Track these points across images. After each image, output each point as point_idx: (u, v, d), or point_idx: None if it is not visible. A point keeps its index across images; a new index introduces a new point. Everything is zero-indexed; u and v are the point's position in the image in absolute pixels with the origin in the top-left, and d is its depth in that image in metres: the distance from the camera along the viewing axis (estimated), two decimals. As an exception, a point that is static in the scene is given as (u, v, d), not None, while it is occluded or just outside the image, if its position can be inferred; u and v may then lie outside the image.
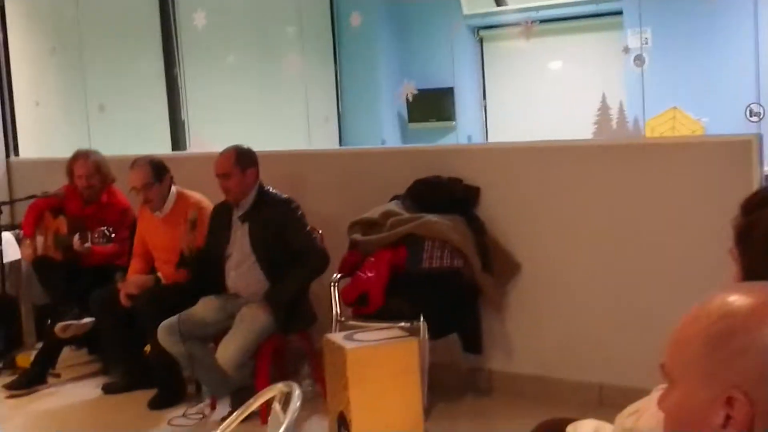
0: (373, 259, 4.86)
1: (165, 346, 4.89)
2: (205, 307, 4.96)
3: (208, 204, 5.33)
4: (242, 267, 4.94)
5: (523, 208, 4.98)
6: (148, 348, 5.41)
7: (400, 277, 4.82)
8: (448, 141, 9.34)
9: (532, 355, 5.00)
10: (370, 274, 4.76)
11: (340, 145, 9.70)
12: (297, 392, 2.41)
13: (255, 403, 2.58)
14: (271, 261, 4.88)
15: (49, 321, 6.65)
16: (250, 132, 7.56)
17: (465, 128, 9.62)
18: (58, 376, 5.88)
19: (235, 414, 2.62)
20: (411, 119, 9.86)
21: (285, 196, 4.94)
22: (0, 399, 5.57)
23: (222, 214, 5.02)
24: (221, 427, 2.60)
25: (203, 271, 5.02)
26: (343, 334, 4.43)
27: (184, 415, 5.01)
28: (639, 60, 8.61)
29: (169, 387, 5.25)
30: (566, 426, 2.51)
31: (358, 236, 5.00)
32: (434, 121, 9.71)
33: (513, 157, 5.09)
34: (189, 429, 4.88)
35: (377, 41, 9.82)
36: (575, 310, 4.85)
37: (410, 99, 6.13)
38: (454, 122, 9.68)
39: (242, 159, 4.90)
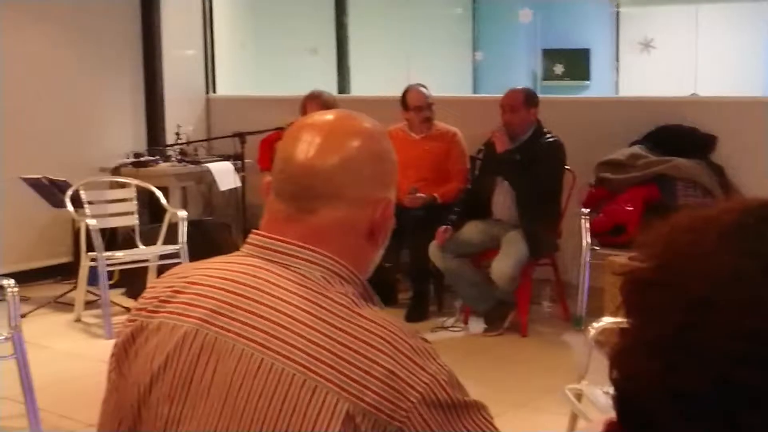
0: (627, 195, 5.44)
1: (435, 261, 5.49)
2: (473, 230, 5.55)
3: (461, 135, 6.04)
4: (509, 196, 5.52)
5: (755, 156, 5.56)
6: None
7: (652, 211, 5.39)
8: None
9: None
10: (629, 208, 5.35)
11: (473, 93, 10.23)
12: None
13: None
14: (529, 193, 5.45)
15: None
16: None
17: (597, 88, 10.16)
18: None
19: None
20: (546, 77, 10.41)
21: (557, 138, 5.50)
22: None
23: (493, 147, 5.57)
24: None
25: (471, 205, 5.62)
26: (626, 257, 5.00)
27: (442, 327, 5.61)
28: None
29: (424, 301, 5.85)
30: None
31: (608, 175, 5.58)
32: (568, 80, 10.26)
33: (746, 109, 5.67)
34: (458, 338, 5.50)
35: (516, 2, 10.32)
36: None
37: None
38: (588, 82, 10.24)
39: (529, 98, 5.52)
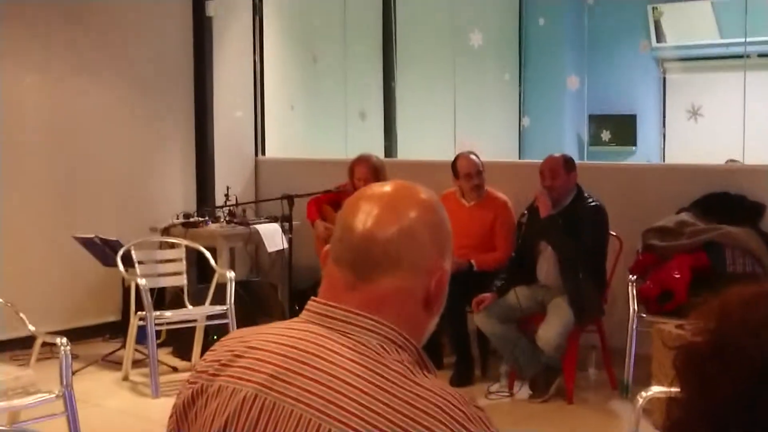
0: (674, 262, 5.41)
1: (482, 326, 5.51)
2: (519, 295, 5.55)
3: (510, 204, 6.00)
4: (553, 261, 5.52)
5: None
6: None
7: (700, 278, 5.36)
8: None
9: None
10: (677, 275, 5.32)
11: (519, 158, 10.28)
12: None
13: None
14: (572, 258, 5.45)
15: (297, 307, 7.31)
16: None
17: (644, 155, 10.16)
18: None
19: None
20: (592, 143, 10.43)
21: (598, 202, 5.51)
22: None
23: (537, 212, 5.60)
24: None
25: (516, 271, 5.62)
26: (673, 324, 4.97)
27: (488, 392, 5.58)
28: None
29: (467, 365, 5.83)
30: None
31: (656, 241, 5.57)
32: (614, 145, 10.28)
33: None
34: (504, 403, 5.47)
35: (564, 69, 10.41)
36: None
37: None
38: (634, 148, 10.24)
39: (568, 163, 5.57)
